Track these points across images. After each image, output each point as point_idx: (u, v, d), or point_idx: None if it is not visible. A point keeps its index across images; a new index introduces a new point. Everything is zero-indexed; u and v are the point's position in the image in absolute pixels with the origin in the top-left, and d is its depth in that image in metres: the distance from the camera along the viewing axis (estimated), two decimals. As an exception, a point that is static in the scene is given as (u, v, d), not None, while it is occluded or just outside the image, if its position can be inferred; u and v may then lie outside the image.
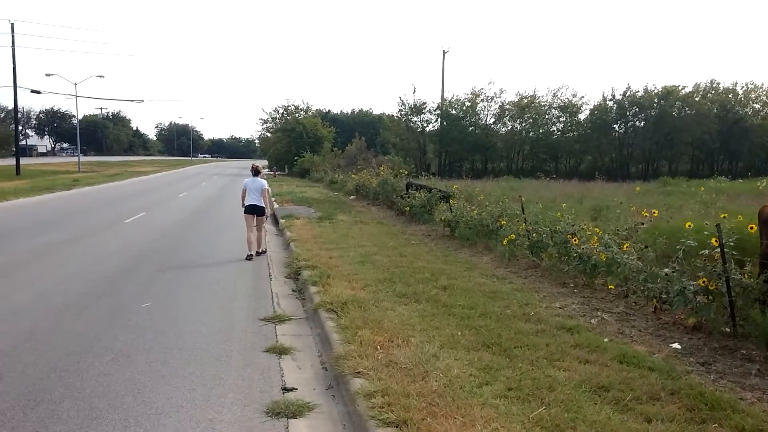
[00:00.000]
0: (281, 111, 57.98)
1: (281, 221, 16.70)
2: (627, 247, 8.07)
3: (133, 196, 27.23)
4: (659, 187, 30.27)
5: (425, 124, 49.66)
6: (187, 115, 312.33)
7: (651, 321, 6.81)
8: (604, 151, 51.41)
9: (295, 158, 48.73)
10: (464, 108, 48.94)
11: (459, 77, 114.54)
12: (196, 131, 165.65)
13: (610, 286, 8.01)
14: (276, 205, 21.74)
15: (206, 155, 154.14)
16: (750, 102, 52.96)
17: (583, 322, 6.66)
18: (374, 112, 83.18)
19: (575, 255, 8.69)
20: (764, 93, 52.78)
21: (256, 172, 11.92)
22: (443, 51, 51.33)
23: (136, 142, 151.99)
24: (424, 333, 5.89)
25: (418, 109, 48.43)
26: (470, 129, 49.25)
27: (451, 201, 14.92)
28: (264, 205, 11.63)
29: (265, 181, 12.02)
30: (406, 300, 7.37)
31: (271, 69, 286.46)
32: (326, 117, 66.67)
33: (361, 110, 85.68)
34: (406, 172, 19.77)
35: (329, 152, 50.00)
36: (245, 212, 11.49)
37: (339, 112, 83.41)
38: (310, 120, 55.26)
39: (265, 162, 64.99)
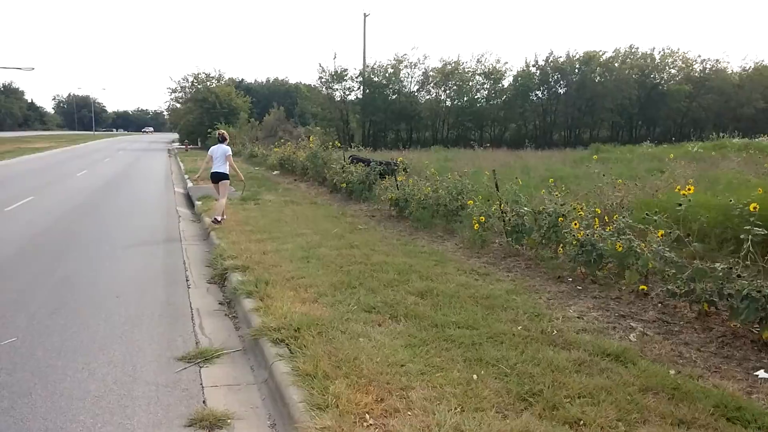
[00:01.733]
0: (191, 79, 53.84)
1: (197, 203, 14.29)
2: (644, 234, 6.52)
3: (22, 177, 23.53)
4: (592, 154, 29.68)
5: (347, 93, 47.42)
6: (88, 86, 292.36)
7: (701, 332, 5.25)
8: (528, 118, 51.11)
9: (209, 130, 45.19)
10: (387, 75, 46.95)
11: (381, 43, 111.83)
12: (98, 103, 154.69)
13: (629, 282, 6.43)
14: (190, 183, 19.14)
15: (113, 129, 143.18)
16: (667, 67, 54.07)
17: (622, 340, 5.00)
18: (291, 81, 79.70)
19: (575, 242, 7.05)
20: (680, 58, 54.07)
21: (222, 138, 11.80)
22: (364, 14, 49.03)
23: (31, 116, 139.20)
24: (426, 382, 4.02)
25: (339, 76, 45.97)
26: (394, 97, 47.38)
27: (398, 176, 13.05)
28: (226, 171, 11.54)
29: (228, 148, 11.74)
30: (378, 317, 5.46)
31: (179, 35, 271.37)
32: (240, 86, 62.82)
33: (276, 79, 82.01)
34: (339, 144, 17.72)
35: (246, 123, 46.78)
36: (211, 180, 11.64)
37: (253, 82, 79.47)
38: (223, 89, 51.55)
39: (176, 135, 60.54)
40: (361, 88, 47.19)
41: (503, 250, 8.87)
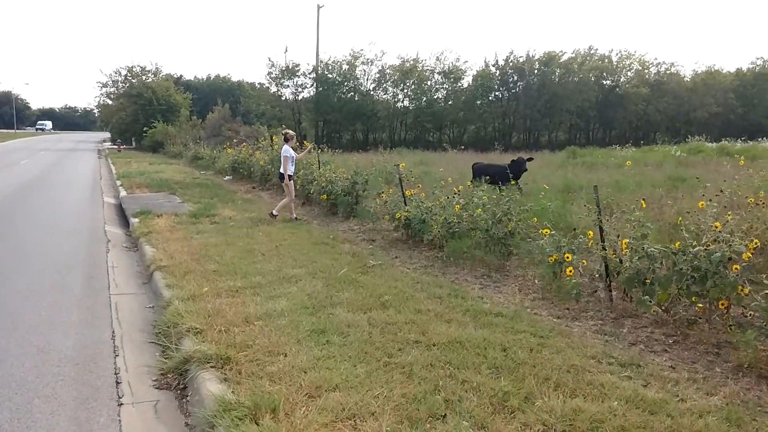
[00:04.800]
0: (125, 73, 48.96)
1: (133, 221, 10.84)
2: None
3: None
4: (569, 158, 27.41)
5: (299, 90, 43.89)
6: (9, 81, 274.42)
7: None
8: (487, 120, 48.95)
9: (145, 129, 40.84)
10: (342, 71, 43.72)
11: (336, 38, 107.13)
12: (21, 99, 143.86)
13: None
14: (123, 192, 15.52)
15: (43, 126, 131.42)
16: (624, 70, 53.16)
17: None
18: (233, 79, 75.06)
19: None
20: (637, 61, 53.26)
21: (286, 139, 11.62)
22: (317, 5, 45.66)
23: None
24: None
25: (290, 71, 42.42)
26: (350, 95, 44.21)
27: (407, 191, 9.96)
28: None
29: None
30: None
31: (111, 27, 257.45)
32: (179, 83, 58.10)
33: (218, 76, 77.01)
34: (310, 145, 14.55)
35: (187, 122, 42.56)
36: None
37: (193, 78, 74.28)
38: (160, 84, 46.96)
39: (107, 134, 55.31)
40: (314, 85, 43.80)
41: (601, 303, 5.99)
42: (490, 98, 48.72)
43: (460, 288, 6.52)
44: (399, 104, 46.79)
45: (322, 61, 43.88)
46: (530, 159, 14.78)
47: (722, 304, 4.99)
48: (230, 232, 9.62)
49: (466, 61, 61.31)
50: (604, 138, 53.41)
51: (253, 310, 5.41)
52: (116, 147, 39.08)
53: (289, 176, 11.40)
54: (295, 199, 13.50)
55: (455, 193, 9.50)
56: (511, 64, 48.57)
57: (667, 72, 54.38)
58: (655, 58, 76.95)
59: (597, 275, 6.33)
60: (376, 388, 3.83)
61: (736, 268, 4.78)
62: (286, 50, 56.81)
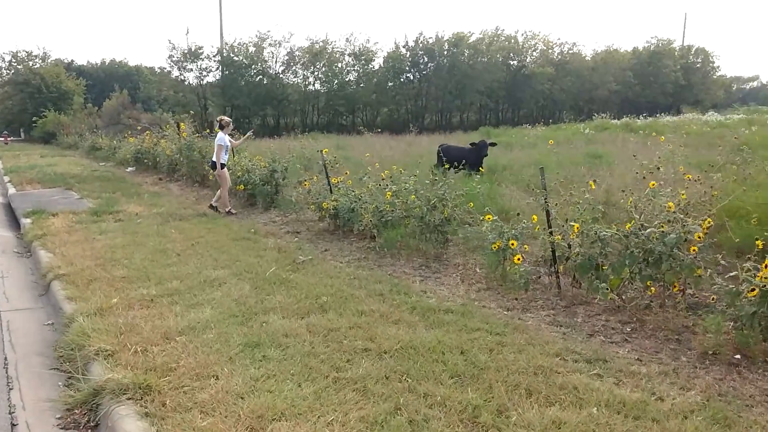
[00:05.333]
0: (9, 59, 44.89)
1: (25, 222, 9.65)
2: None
3: None
4: (483, 138, 27.64)
5: (204, 74, 41.74)
6: None
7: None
8: (400, 102, 48.75)
9: (34, 119, 37.61)
10: (249, 53, 41.96)
11: (241, 20, 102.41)
12: None
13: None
14: (11, 190, 13.99)
15: None
16: (530, 50, 54.40)
17: None
18: (131, 63, 70.61)
19: (753, 291, 4.06)
20: (542, 41, 54.55)
21: (221, 126, 10.82)
22: (218, -14, 43.55)
23: None
24: None
25: (193, 54, 40.18)
26: (258, 78, 42.52)
27: (333, 179, 9.36)
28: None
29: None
30: None
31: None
32: (70, 68, 53.98)
33: (114, 60, 72.18)
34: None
35: (81, 110, 39.56)
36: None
37: (86, 63, 69.21)
38: (50, 70, 43.31)
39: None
40: (220, 68, 41.78)
41: (549, 291, 5.72)
42: (402, 80, 48.43)
43: (400, 282, 6.07)
44: (310, 87, 45.57)
45: (227, 44, 41.93)
46: (493, 144, 14.06)
47: (676, 288, 4.83)
48: (139, 231, 8.70)
49: (377, 43, 60.99)
50: (513, 118, 54.56)
51: (173, 324, 4.72)
52: (2, 139, 35.80)
53: (222, 165, 10.61)
54: (209, 191, 12.63)
55: (383, 179, 9.06)
56: (421, 45, 48.46)
57: (570, 52, 56.11)
58: (558, 38, 79.62)
59: (543, 261, 6.07)
60: (328, 412, 3.31)
61: (694, 250, 4.60)
62: (188, 32, 53.83)
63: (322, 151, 10.02)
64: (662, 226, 4.85)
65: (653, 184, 5.40)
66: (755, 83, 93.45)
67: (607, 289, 4.83)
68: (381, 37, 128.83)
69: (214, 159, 10.65)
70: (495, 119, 54.03)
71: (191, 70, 41.65)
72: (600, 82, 55.64)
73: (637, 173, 9.71)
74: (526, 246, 6.15)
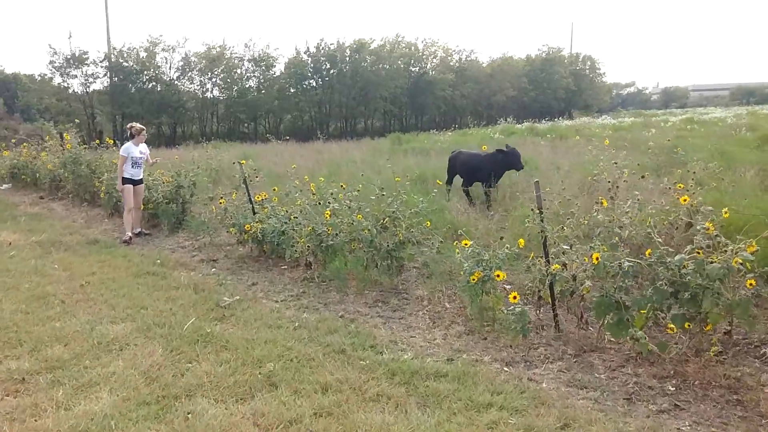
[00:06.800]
0: None
1: None
2: None
3: None
4: (395, 145, 26.72)
5: (90, 81, 38.15)
6: None
7: None
8: (303, 109, 47.11)
9: None
10: (140, 59, 38.83)
11: (131, 25, 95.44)
12: None
13: None
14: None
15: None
16: (430, 57, 54.51)
17: None
18: (6, 71, 64.22)
19: None
20: (441, 48, 54.84)
21: (131, 135, 9.15)
22: (102, -14, 40.07)
23: None
24: None
25: (78, 59, 36.61)
26: (151, 85, 39.46)
27: (255, 196, 7.89)
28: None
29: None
30: None
31: None
32: (-69, 74, 48.09)
33: (-17, 67, 65.35)
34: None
35: (-55, 120, 34.94)
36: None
37: (-50, 69, 62.16)
38: None
39: None
40: (108, 74, 38.39)
41: (544, 331, 4.68)
42: (305, 86, 46.85)
43: (359, 328, 4.81)
44: (208, 94, 42.97)
45: (115, 48, 38.54)
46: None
47: (709, 328, 3.91)
48: (10, 268, 6.87)
49: (277, 48, 58.68)
50: (416, 123, 54.54)
51: (52, 424, 3.21)
52: None
53: (126, 180, 8.83)
54: (100, 211, 10.80)
55: (313, 194, 7.76)
56: (322, 51, 47.12)
57: (468, 59, 56.88)
58: (457, 46, 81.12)
59: (532, 294, 5.02)
60: None
61: (751, 284, 3.69)
62: (71, 36, 49.51)
63: (239, 162, 8.54)
64: (698, 252, 3.92)
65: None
66: (632, 88, 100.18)
67: (644, 339, 3.81)
68: (281, 43, 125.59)
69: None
70: (400, 125, 53.76)
71: (75, 76, 38.04)
72: (498, 88, 56.84)
73: (592, 179, 9.11)
74: (499, 274, 5.07)
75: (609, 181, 7.73)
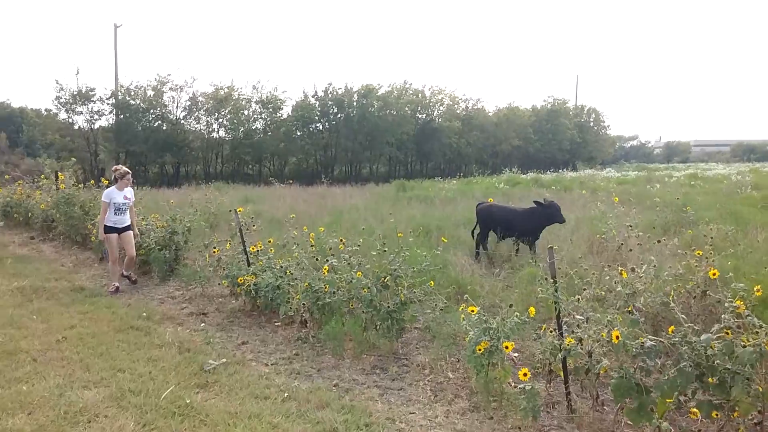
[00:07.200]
0: None
1: None
2: None
3: None
4: (400, 192, 26.50)
5: (95, 117, 38.33)
6: None
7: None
8: (309, 152, 47.22)
9: None
10: (147, 97, 39.14)
11: (139, 62, 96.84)
12: None
13: None
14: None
15: None
16: (437, 104, 54.93)
17: None
18: (14, 105, 64.92)
19: None
20: (448, 96, 55.34)
21: (115, 179, 8.45)
22: (115, 25, 40.71)
23: None
24: None
25: (84, 96, 36.89)
26: (157, 124, 39.64)
27: (251, 247, 7.56)
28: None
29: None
30: None
31: None
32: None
33: (-7, 101, 66.20)
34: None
35: (-51, 153, 35.03)
36: None
37: (-41, 103, 62.98)
38: None
39: None
40: (114, 112, 38.63)
41: (554, 410, 4.26)
42: (311, 129, 47.09)
43: (354, 402, 4.39)
44: (214, 134, 43.13)
45: (122, 86, 38.89)
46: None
47: (756, 422, 3.50)
48: (-14, 317, 6.48)
49: (285, 91, 59.06)
50: (421, 170, 54.62)
51: None
52: None
53: (108, 229, 8.19)
54: (91, 254, 10.46)
55: (312, 245, 7.44)
56: (330, 95, 47.58)
57: (475, 108, 57.30)
58: (464, 94, 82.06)
59: (542, 367, 4.61)
60: None
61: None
62: (78, 72, 50.05)
63: (236, 210, 8.21)
64: (727, 333, 3.55)
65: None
66: (635, 141, 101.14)
67: (668, 430, 3.40)
68: (289, 86, 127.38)
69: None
70: (405, 171, 53.86)
71: (81, 113, 38.22)
72: (504, 137, 57.09)
73: (601, 238, 8.77)
74: (507, 344, 4.67)
75: (622, 243, 7.40)
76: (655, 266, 5.43)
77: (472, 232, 9.97)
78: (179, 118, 41.49)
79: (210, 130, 43.19)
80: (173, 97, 41.08)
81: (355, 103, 48.57)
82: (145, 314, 6.82)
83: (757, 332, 3.51)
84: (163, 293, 8.18)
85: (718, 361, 3.49)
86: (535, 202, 9.18)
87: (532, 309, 4.53)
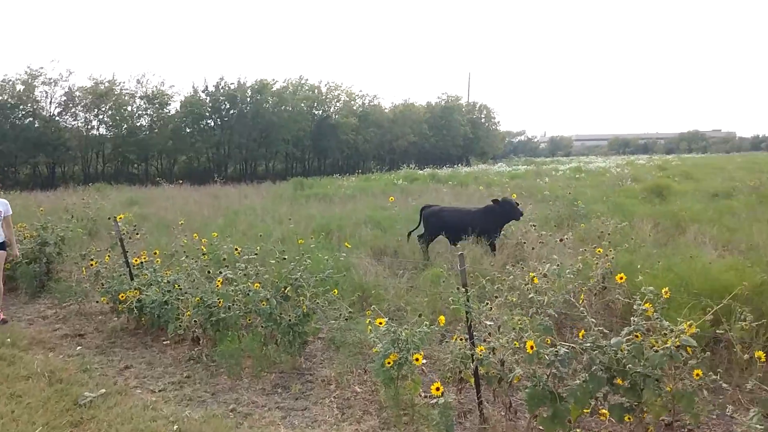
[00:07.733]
0: None
1: None
2: None
3: None
4: (297, 190, 25.88)
5: (-45, 114, 34.57)
6: None
7: None
8: (200, 150, 45.18)
9: None
10: (17, 92, 35.79)
11: (7, 54, 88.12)
12: None
13: None
14: None
15: None
16: (333, 100, 54.43)
17: None
18: None
19: None
20: (344, 92, 54.95)
21: None
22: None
23: None
24: None
25: (-60, 91, 33.20)
26: (28, 121, 36.34)
27: (134, 258, 6.85)
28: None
29: None
30: None
31: None
32: None
33: None
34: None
35: None
36: None
37: None
38: None
39: None
40: (-22, 108, 35.04)
41: (467, 420, 4.08)
42: (202, 126, 45.15)
43: (255, 430, 3.98)
44: (94, 132, 40.20)
45: (-13, 81, 35.45)
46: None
47: (666, 423, 3.48)
48: None
49: (173, 86, 55.60)
50: (319, 167, 54.11)
51: None
52: None
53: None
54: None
55: (204, 253, 6.91)
56: (222, 90, 45.79)
57: (371, 104, 57.48)
58: (360, 90, 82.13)
59: (451, 375, 4.41)
60: None
61: (698, 374, 3.28)
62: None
63: (115, 218, 7.44)
64: (636, 336, 3.49)
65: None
66: (523, 137, 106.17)
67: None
68: (177, 80, 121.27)
69: None
70: (302, 169, 53.14)
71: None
72: (400, 133, 57.70)
73: (502, 235, 8.82)
74: (418, 357, 4.45)
75: (524, 242, 7.45)
76: (558, 265, 5.41)
77: (409, 234, 9.72)
78: (53, 114, 38.31)
79: (89, 127, 40.15)
80: (46, 92, 37.90)
81: (248, 99, 47.14)
82: (9, 340, 5.97)
83: (666, 334, 3.49)
84: (32, 312, 7.29)
85: (629, 364, 3.44)
86: (492, 200, 8.94)
87: (441, 318, 4.32)
